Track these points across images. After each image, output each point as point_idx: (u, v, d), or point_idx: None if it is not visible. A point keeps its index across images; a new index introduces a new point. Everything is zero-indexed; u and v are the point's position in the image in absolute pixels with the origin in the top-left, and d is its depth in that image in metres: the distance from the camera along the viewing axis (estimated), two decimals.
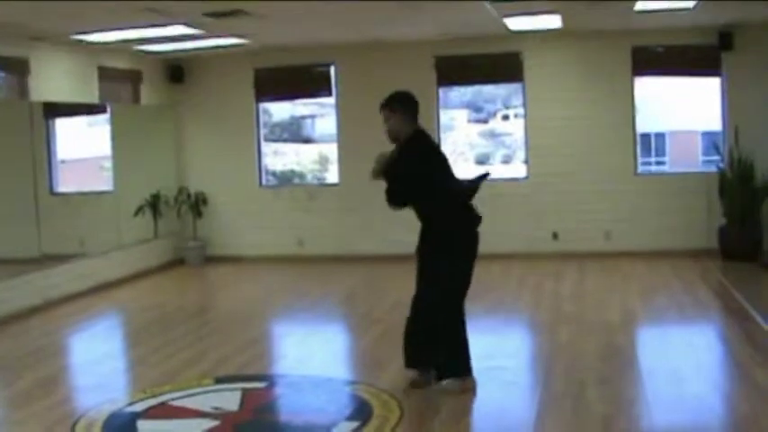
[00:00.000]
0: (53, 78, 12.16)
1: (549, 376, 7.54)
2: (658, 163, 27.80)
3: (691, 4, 11.01)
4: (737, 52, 13.33)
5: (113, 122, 13.59)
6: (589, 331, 9.01)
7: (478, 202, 7.05)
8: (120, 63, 13.60)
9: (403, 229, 14.30)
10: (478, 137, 25.00)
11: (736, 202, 12.95)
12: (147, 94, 14.40)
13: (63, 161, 13.09)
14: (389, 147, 7.08)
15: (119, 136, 13.65)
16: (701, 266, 12.70)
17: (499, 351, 8.28)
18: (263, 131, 15.44)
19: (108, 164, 13.74)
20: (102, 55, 13.01)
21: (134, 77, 14.09)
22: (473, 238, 7.08)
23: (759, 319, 9.14)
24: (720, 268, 12.57)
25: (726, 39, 13.27)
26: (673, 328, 9.61)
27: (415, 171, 6.91)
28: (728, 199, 13.06)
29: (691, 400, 6.76)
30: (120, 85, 13.79)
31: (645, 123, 22.53)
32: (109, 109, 13.54)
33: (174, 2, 9.42)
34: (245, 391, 7.33)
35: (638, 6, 11.10)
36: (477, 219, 7.05)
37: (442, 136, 14.84)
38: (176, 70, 14.88)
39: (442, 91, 14.68)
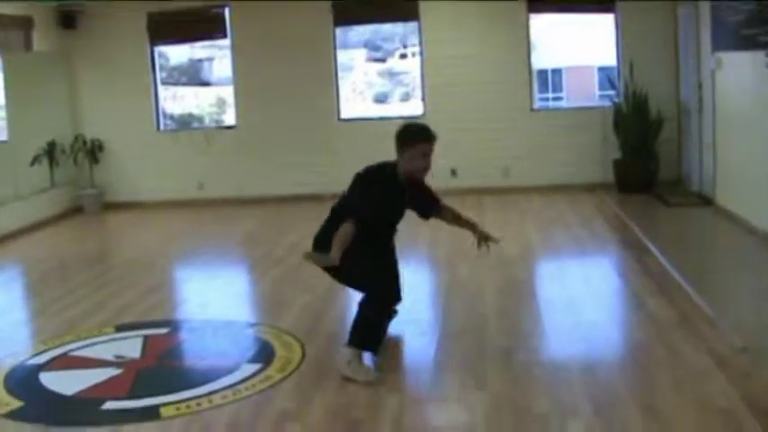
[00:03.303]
0: None
1: (450, 312, 7.64)
2: (556, 98, 28.15)
3: None
4: None
5: (5, 71, 13.24)
6: (488, 266, 9.03)
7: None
8: (10, 9, 13.27)
9: (300, 171, 14.38)
10: (377, 76, 24.99)
11: (630, 135, 13.15)
12: (40, 41, 14.08)
13: None
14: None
15: (11, 84, 13.33)
16: (597, 200, 12.94)
17: None
18: (160, 75, 15.23)
19: (2, 113, 13.45)
20: None
21: (25, 24, 13.75)
22: None
23: (654, 249, 9.33)
24: (616, 201, 12.80)
25: None
26: (570, 261, 9.81)
27: None
28: (623, 132, 13.26)
29: (587, 330, 6.90)
30: (10, 33, 13.49)
31: (542, 60, 22.71)
32: (0, 57, 13.23)
33: None
34: (146, 338, 7.30)
35: None
36: None
37: (341, 76, 14.81)
38: (68, 16, 14.57)
39: (339, 30, 14.63)
